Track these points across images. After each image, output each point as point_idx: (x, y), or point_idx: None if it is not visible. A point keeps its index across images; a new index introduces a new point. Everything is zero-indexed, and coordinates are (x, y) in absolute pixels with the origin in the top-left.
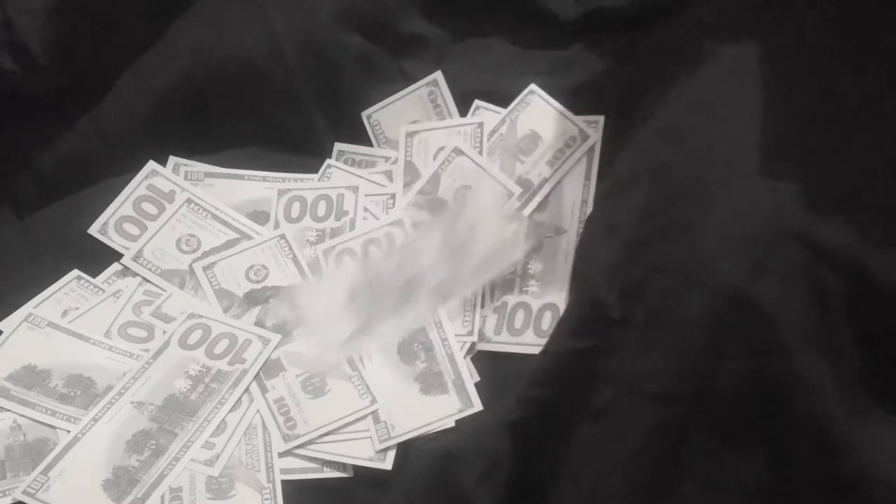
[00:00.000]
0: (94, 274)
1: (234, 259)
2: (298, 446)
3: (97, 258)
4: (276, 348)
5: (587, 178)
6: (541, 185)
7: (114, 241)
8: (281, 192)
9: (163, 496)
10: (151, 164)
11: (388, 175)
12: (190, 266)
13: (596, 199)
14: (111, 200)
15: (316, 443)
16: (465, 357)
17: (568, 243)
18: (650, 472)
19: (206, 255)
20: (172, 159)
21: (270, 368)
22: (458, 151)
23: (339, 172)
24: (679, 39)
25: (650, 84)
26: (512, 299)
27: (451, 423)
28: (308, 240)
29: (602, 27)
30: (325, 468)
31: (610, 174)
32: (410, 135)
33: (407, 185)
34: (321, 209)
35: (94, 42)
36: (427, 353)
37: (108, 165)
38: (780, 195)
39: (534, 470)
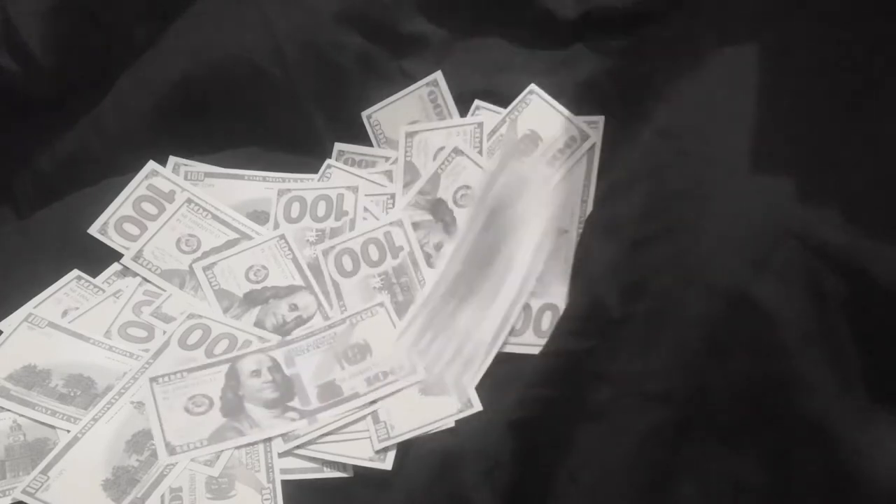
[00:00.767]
0: (94, 274)
1: (233, 259)
2: (298, 446)
3: (97, 258)
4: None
5: (587, 178)
6: None
7: (114, 241)
8: (281, 193)
9: (163, 496)
10: (151, 164)
11: (388, 175)
12: (190, 266)
13: (596, 199)
14: (111, 200)
15: (316, 443)
16: None
17: (568, 243)
18: (650, 472)
19: (205, 255)
20: (172, 159)
21: None
22: (458, 151)
23: (339, 172)
24: (679, 39)
25: (651, 84)
26: None
27: (450, 424)
28: (308, 240)
29: (602, 27)
30: (325, 468)
31: (610, 174)
32: (410, 135)
33: (407, 185)
34: (321, 209)
35: (94, 42)
36: None
37: (108, 165)
38: (780, 195)
39: (534, 470)
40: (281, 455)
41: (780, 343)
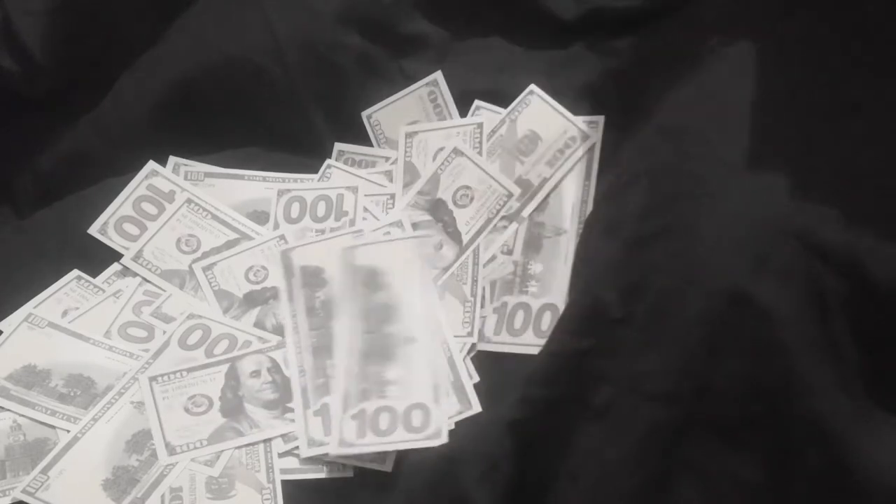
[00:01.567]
0: (94, 274)
1: (233, 260)
2: (298, 447)
3: (97, 258)
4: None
5: (587, 178)
6: (540, 186)
7: (114, 241)
8: (281, 193)
9: (163, 496)
10: (151, 164)
11: (388, 175)
12: (190, 266)
13: (596, 199)
14: (111, 200)
15: None
16: (464, 358)
17: (568, 243)
18: (650, 472)
19: (205, 255)
20: (172, 159)
21: None
22: (458, 152)
23: (339, 173)
24: (679, 39)
25: (650, 84)
26: (512, 300)
27: (450, 426)
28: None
29: (602, 27)
30: (325, 468)
31: (610, 174)
32: (410, 135)
33: (406, 185)
34: (321, 209)
35: (94, 42)
36: None
37: (108, 165)
38: (780, 195)
39: (533, 470)
40: (281, 455)
41: (779, 343)
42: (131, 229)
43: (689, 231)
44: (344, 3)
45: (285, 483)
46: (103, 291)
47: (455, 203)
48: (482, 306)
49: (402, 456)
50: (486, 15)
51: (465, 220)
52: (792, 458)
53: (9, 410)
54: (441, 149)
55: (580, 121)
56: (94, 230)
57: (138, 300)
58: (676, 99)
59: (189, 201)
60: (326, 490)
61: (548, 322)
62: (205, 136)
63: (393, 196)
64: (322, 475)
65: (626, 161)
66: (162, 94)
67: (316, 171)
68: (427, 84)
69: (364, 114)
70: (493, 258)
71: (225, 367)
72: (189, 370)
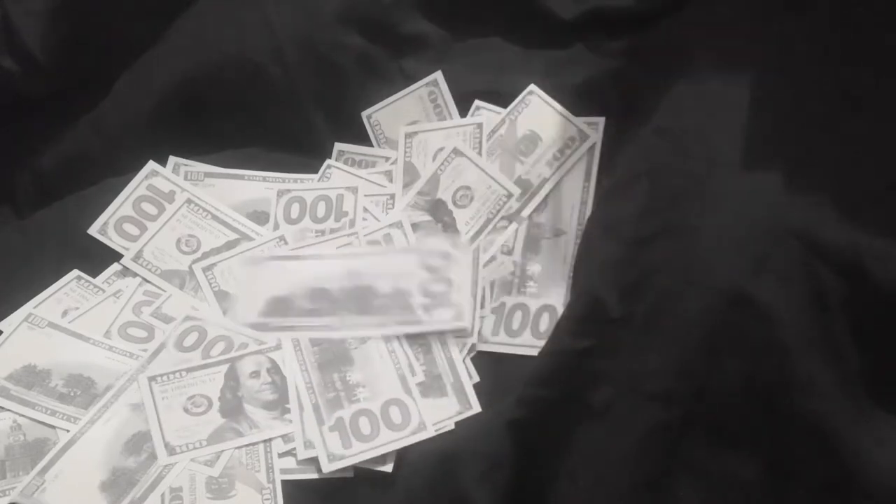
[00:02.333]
0: (94, 274)
1: (233, 260)
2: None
3: (97, 258)
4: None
5: (587, 179)
6: (540, 186)
7: (114, 241)
8: (280, 193)
9: (163, 495)
10: (151, 164)
11: (388, 175)
12: (189, 267)
13: (596, 199)
14: (111, 200)
15: None
16: (464, 358)
17: (567, 245)
18: (649, 472)
19: (205, 255)
20: (172, 159)
21: None
22: (458, 152)
23: (339, 173)
24: (679, 39)
25: (650, 84)
26: (510, 300)
27: (450, 426)
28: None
29: (602, 27)
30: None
31: (610, 174)
32: (409, 135)
33: (406, 185)
34: (321, 210)
35: (94, 42)
36: (426, 356)
37: (108, 165)
38: (780, 195)
39: (533, 470)
40: (281, 455)
41: (779, 343)
42: (131, 229)
43: (688, 231)
44: (344, 3)
45: (285, 483)
46: (103, 291)
47: (455, 203)
48: (482, 307)
49: (401, 456)
50: (486, 15)
51: (465, 220)
52: (792, 457)
53: (9, 410)
54: (441, 149)
55: (580, 121)
56: (94, 230)
57: (138, 300)
58: (676, 99)
59: (189, 201)
60: (326, 490)
61: (546, 323)
62: (205, 136)
63: (393, 196)
64: (322, 475)
65: (626, 161)
66: (162, 94)
67: (316, 172)
68: (427, 84)
69: (364, 114)
70: (493, 258)
71: (224, 368)
72: (188, 370)
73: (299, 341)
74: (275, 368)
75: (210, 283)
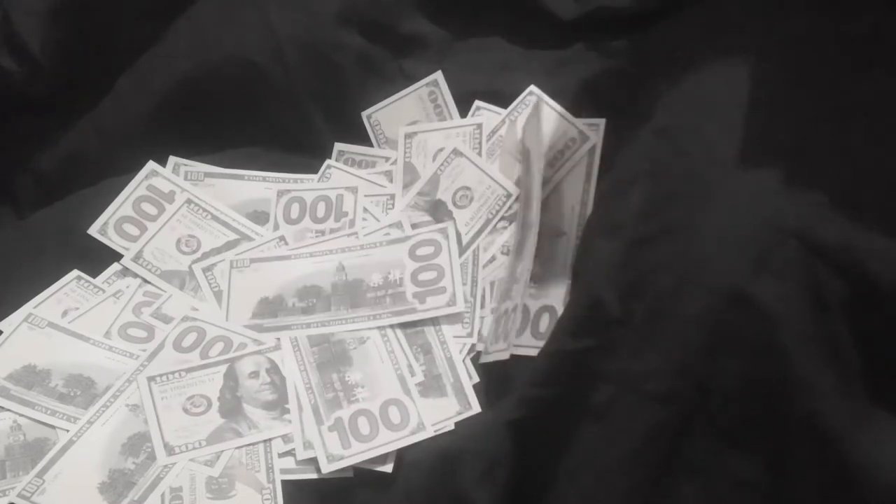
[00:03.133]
0: (94, 274)
1: (223, 264)
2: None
3: (97, 258)
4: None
5: (587, 180)
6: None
7: (113, 241)
8: (280, 193)
9: (163, 495)
10: (151, 165)
11: (388, 175)
12: (189, 267)
13: (596, 200)
14: (111, 201)
15: None
16: (464, 358)
17: (567, 246)
18: (649, 472)
19: (205, 256)
20: (172, 159)
21: None
22: (458, 153)
23: (339, 173)
24: (679, 39)
25: (650, 84)
26: (510, 304)
27: (450, 426)
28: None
29: (602, 27)
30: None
31: (610, 174)
32: (409, 136)
33: (406, 186)
34: (321, 210)
35: (94, 42)
36: (426, 356)
37: (107, 165)
38: (780, 195)
39: (533, 470)
40: (281, 455)
41: (779, 343)
42: (131, 230)
43: (688, 231)
44: (344, 3)
45: (285, 483)
46: (103, 292)
47: (455, 204)
48: (482, 307)
49: (401, 456)
50: (487, 15)
51: (465, 220)
52: (792, 458)
53: (9, 410)
54: (441, 149)
55: (580, 122)
56: (94, 230)
57: (138, 301)
58: (676, 99)
59: (189, 202)
60: (326, 490)
61: (545, 324)
62: (205, 135)
63: (393, 196)
64: (322, 475)
65: (626, 161)
66: (162, 94)
67: (316, 172)
68: (427, 84)
69: (364, 114)
70: (493, 259)
71: (223, 368)
72: (188, 370)
73: (298, 341)
74: (274, 369)
75: (210, 284)
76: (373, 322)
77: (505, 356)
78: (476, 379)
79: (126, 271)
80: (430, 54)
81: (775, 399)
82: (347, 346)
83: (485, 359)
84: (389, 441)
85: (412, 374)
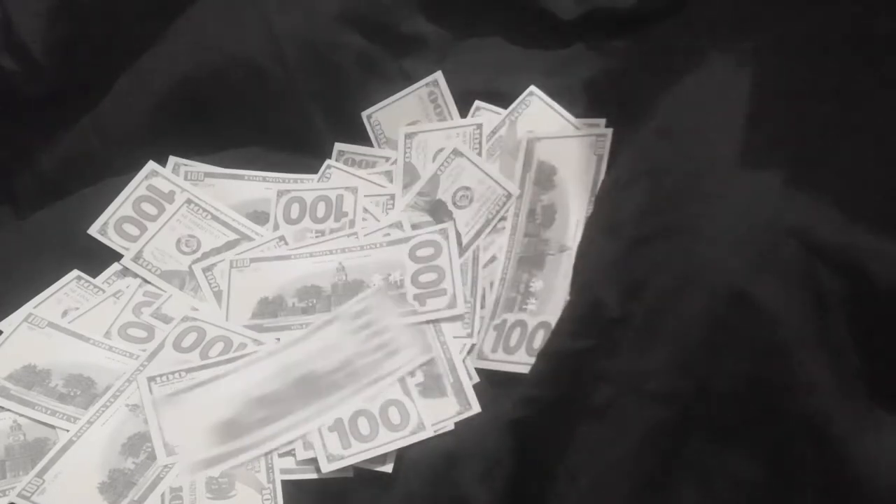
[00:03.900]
0: (94, 274)
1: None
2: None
3: (97, 258)
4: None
5: (592, 193)
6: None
7: (113, 241)
8: (280, 193)
9: (163, 495)
10: (151, 165)
11: (388, 176)
12: (189, 267)
13: (596, 199)
14: (111, 201)
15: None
16: (464, 359)
17: (569, 261)
18: (650, 472)
19: (205, 256)
20: (172, 159)
21: None
22: (458, 153)
23: (339, 173)
24: (679, 39)
25: (650, 84)
26: (511, 317)
27: (450, 426)
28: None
29: (602, 27)
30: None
31: (610, 174)
32: (409, 136)
33: (406, 186)
34: (320, 210)
35: (94, 42)
36: None
37: (107, 165)
38: (780, 195)
39: (533, 470)
40: (281, 455)
41: (779, 342)
42: (131, 230)
43: (688, 231)
44: (344, 3)
45: (285, 483)
46: (103, 292)
47: (455, 204)
48: (482, 307)
49: (401, 456)
50: (486, 15)
51: (465, 220)
52: (792, 457)
53: (9, 410)
54: (441, 149)
55: (580, 123)
56: (94, 230)
57: (138, 301)
58: (676, 99)
59: (189, 202)
60: (326, 490)
61: (541, 340)
62: (205, 136)
63: (393, 197)
64: (322, 475)
65: (626, 161)
66: (162, 94)
67: (316, 172)
68: (427, 84)
69: (364, 114)
70: (493, 259)
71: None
72: (188, 370)
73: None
74: None
75: (210, 284)
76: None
77: (502, 367)
78: (476, 379)
79: (126, 271)
80: (430, 54)
81: (775, 399)
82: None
83: (479, 364)
84: (389, 441)
85: (412, 374)
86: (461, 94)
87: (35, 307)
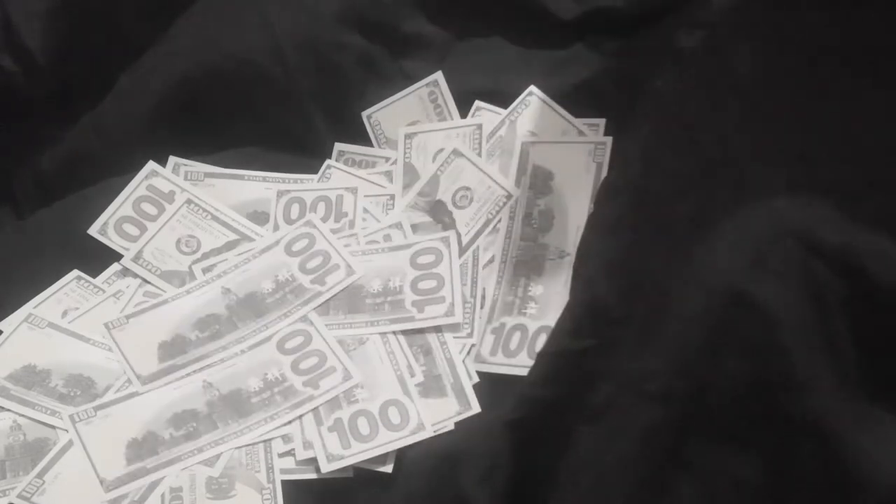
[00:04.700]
0: (94, 274)
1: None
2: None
3: (97, 258)
4: None
5: (592, 200)
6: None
7: (113, 241)
8: (280, 194)
9: (163, 495)
10: (151, 165)
11: (388, 176)
12: (189, 267)
13: (596, 199)
14: (111, 201)
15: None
16: (464, 359)
17: (569, 266)
18: (649, 472)
19: (205, 256)
20: (172, 159)
21: None
22: (458, 153)
23: (339, 173)
24: (679, 39)
25: (649, 84)
26: (510, 321)
27: (450, 426)
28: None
29: (602, 27)
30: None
31: (610, 174)
32: (409, 136)
33: (406, 186)
34: (320, 210)
35: (94, 42)
36: (426, 357)
37: (108, 165)
38: (779, 195)
39: (533, 470)
40: (281, 455)
41: (778, 342)
42: (131, 230)
43: (688, 230)
44: (344, 3)
45: (285, 483)
46: (103, 292)
47: (455, 204)
48: (481, 307)
49: (401, 456)
50: (487, 15)
51: (465, 221)
52: (792, 457)
53: (9, 410)
54: (440, 150)
55: (580, 123)
56: (93, 231)
57: (138, 301)
58: (676, 99)
59: (189, 202)
60: (326, 490)
61: (542, 343)
62: (205, 136)
63: (393, 197)
64: (322, 475)
65: (625, 161)
66: (162, 93)
67: (316, 172)
68: (427, 84)
69: (364, 114)
70: (493, 259)
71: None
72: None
73: None
74: None
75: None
76: (370, 329)
77: (502, 370)
78: (476, 379)
79: (126, 271)
80: (430, 54)
81: (775, 399)
82: (347, 347)
83: (478, 367)
84: (389, 441)
85: (412, 374)
86: (461, 95)
87: (35, 307)
